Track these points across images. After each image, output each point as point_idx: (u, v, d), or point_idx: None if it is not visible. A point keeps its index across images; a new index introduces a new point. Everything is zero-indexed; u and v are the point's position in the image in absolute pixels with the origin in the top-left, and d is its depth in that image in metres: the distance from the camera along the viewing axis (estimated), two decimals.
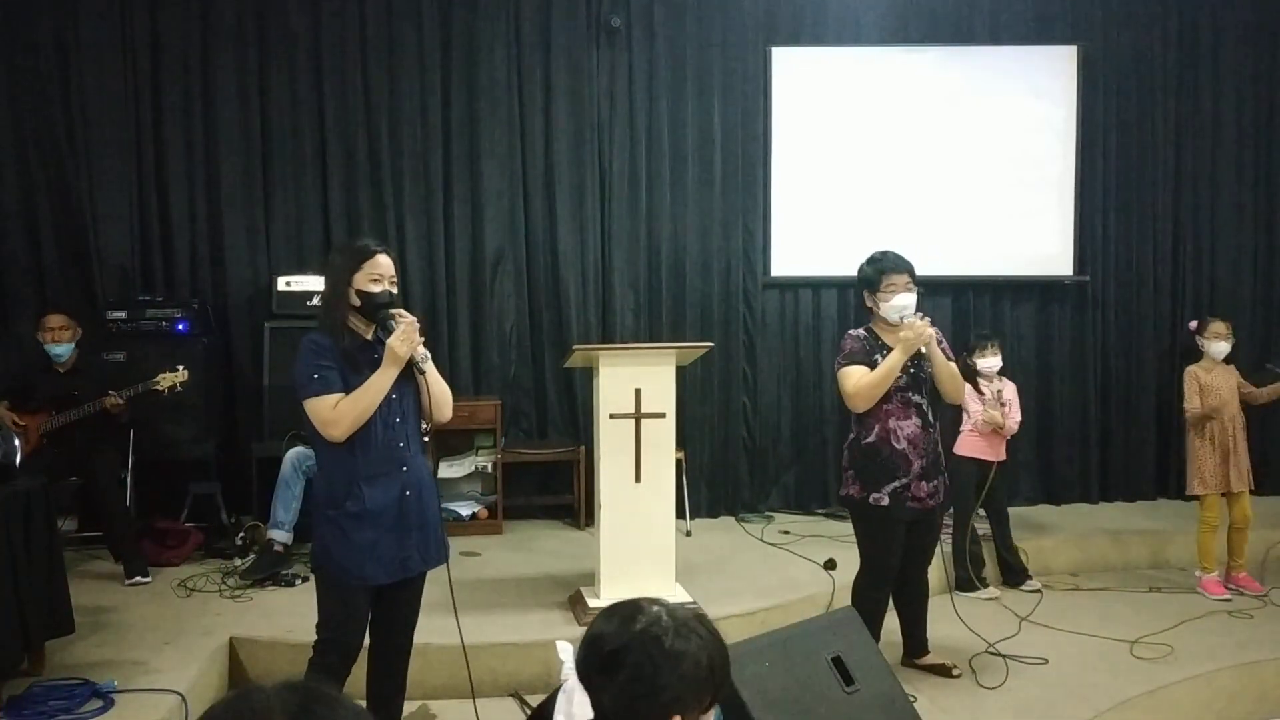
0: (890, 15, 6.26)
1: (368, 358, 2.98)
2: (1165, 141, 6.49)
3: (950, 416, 4.89)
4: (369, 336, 3.03)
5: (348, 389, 2.92)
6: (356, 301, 2.99)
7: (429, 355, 3.03)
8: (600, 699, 1.44)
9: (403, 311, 2.99)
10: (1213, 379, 5.01)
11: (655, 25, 6.04)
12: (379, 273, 2.99)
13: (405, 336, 2.92)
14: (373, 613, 3.11)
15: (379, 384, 2.92)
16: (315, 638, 3.07)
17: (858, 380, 3.69)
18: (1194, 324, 5.20)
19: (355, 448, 2.96)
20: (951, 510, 4.93)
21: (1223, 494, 4.98)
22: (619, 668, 1.44)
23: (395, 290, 3.03)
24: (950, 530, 4.93)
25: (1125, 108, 6.43)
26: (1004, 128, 6.25)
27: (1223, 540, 5.06)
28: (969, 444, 4.96)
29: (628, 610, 1.51)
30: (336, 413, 2.90)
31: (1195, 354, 5.13)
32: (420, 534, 3.05)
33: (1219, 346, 5.01)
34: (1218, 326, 5.04)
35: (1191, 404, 4.99)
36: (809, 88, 6.15)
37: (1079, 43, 6.29)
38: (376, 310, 2.98)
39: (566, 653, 1.47)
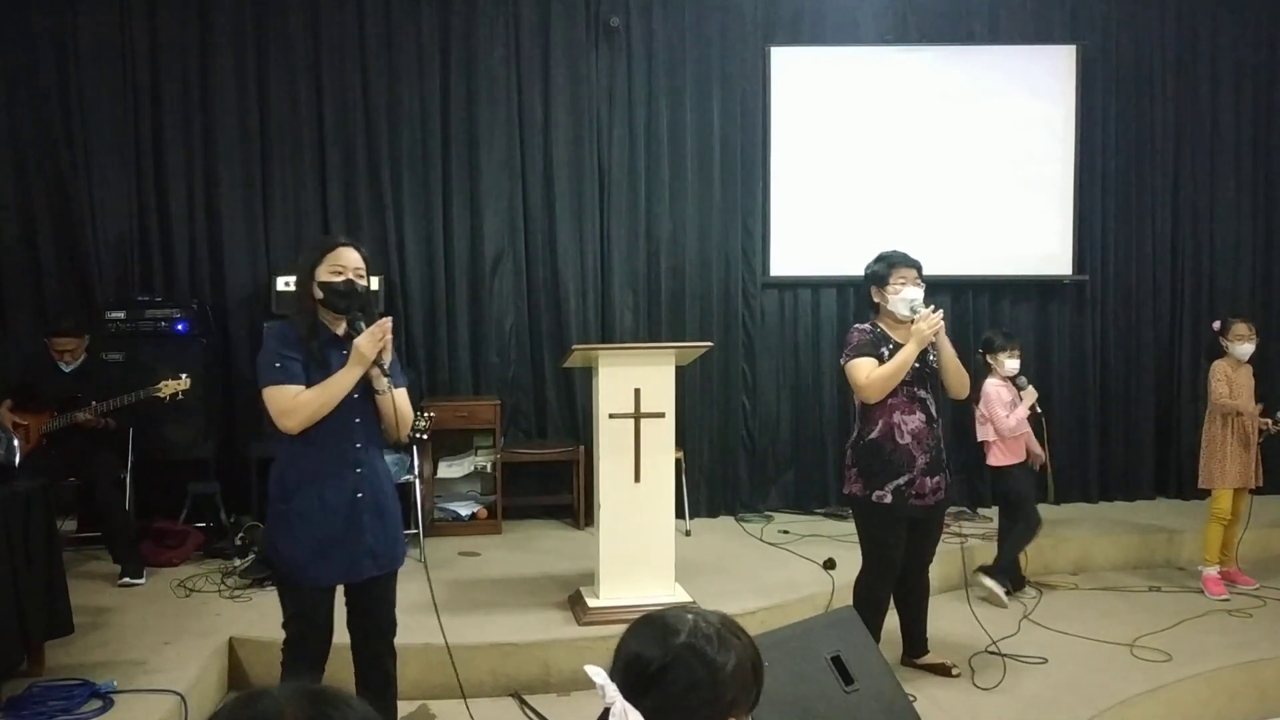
0: (889, 15, 6.26)
1: (336, 354, 2.94)
2: (1164, 141, 6.49)
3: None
4: (339, 332, 2.99)
5: (309, 382, 2.88)
6: (319, 294, 2.95)
7: (391, 384, 2.95)
8: (654, 715, 1.42)
9: (387, 318, 2.94)
10: (1238, 376, 5.02)
11: (654, 25, 6.04)
12: (340, 264, 2.94)
13: (373, 337, 2.87)
14: (348, 611, 3.07)
15: (342, 382, 2.88)
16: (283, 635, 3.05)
17: (869, 372, 3.69)
18: (1217, 324, 5.15)
19: (310, 443, 2.91)
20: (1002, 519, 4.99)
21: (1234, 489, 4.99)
22: (669, 683, 1.42)
23: (361, 281, 2.97)
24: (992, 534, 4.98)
25: (1124, 107, 6.44)
26: (1003, 127, 6.25)
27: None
28: (1001, 452, 4.86)
29: (660, 625, 1.48)
30: (295, 403, 2.86)
31: (1218, 353, 5.08)
32: (374, 537, 2.97)
33: (1244, 348, 4.99)
34: (1240, 328, 5.00)
35: (1221, 394, 4.95)
36: (808, 87, 6.15)
37: (1078, 42, 6.29)
38: (338, 301, 2.94)
39: (601, 676, 1.44)
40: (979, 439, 4.93)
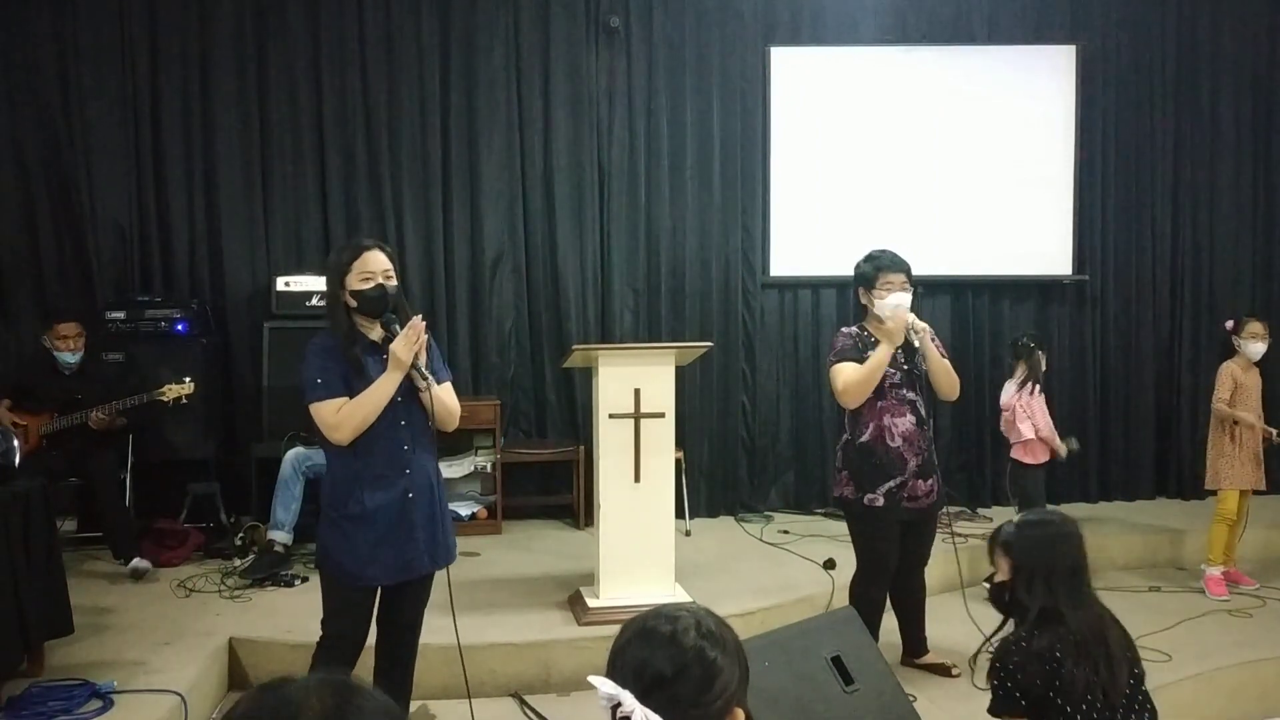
0: (889, 15, 6.25)
1: (375, 360, 2.96)
2: (1164, 141, 6.48)
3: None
4: (375, 337, 3.01)
5: (351, 392, 2.91)
6: (353, 303, 2.97)
7: (432, 382, 2.99)
8: (669, 716, 1.42)
9: (418, 317, 2.95)
10: (1247, 378, 5.02)
11: (654, 25, 6.04)
12: (369, 270, 2.95)
13: (408, 341, 2.89)
14: (381, 608, 3.11)
15: (383, 389, 2.91)
16: (319, 634, 3.08)
17: (848, 376, 3.69)
18: (1230, 323, 5.15)
19: (358, 450, 2.95)
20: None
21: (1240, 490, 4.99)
22: (682, 685, 1.43)
23: (392, 283, 2.98)
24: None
25: (1124, 107, 6.43)
26: (1003, 127, 6.24)
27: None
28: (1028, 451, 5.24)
29: (664, 629, 1.48)
30: (340, 417, 2.90)
31: (1230, 353, 5.08)
32: (425, 535, 3.03)
33: (1256, 347, 4.98)
34: (1254, 327, 5.00)
35: (1221, 398, 4.96)
36: (808, 87, 6.15)
37: (1078, 42, 6.28)
38: (371, 308, 2.96)
39: (610, 686, 1.43)
40: (1022, 437, 5.20)
